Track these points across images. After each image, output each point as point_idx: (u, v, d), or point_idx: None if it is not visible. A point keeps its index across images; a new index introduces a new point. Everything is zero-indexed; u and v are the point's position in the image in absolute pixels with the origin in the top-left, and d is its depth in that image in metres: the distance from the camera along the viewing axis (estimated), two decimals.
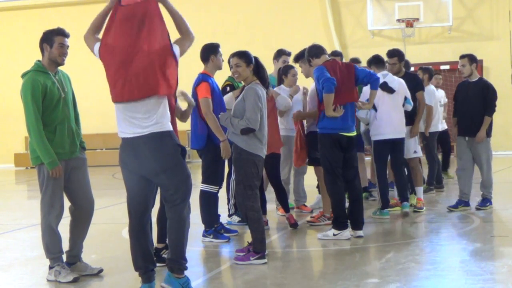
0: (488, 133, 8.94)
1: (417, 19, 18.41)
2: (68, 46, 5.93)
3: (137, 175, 5.06)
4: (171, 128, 5.08)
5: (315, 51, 7.52)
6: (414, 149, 9.14)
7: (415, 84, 9.13)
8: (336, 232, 7.33)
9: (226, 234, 7.62)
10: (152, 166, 4.98)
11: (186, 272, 5.21)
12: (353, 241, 7.27)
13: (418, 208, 9.02)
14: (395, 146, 8.65)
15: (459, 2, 18.71)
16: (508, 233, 7.65)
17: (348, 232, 7.34)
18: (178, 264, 5.13)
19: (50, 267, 5.94)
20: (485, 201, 9.06)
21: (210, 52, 7.39)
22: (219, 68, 7.46)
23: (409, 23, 18.36)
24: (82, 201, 6.09)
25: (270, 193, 8.69)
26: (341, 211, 7.35)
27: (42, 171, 5.84)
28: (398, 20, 18.48)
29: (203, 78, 7.23)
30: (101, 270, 6.16)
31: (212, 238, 7.46)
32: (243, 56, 6.47)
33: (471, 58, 8.99)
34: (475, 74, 9.02)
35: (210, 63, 7.39)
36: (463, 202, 9.00)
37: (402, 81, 8.77)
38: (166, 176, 5.01)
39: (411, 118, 9.00)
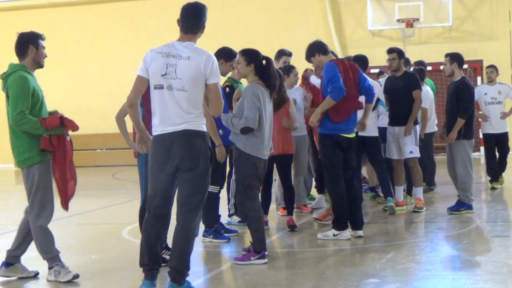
0: (465, 135, 8.78)
1: (417, 19, 18.40)
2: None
3: (164, 172, 5.01)
4: (205, 130, 5.10)
5: (323, 47, 7.51)
6: (410, 149, 9.12)
7: (411, 83, 9.10)
8: (336, 232, 7.33)
9: (226, 234, 7.63)
10: (184, 158, 4.95)
11: None
12: (353, 241, 7.27)
13: (418, 208, 9.02)
14: (368, 146, 8.90)
15: (459, 2, 18.71)
16: (508, 233, 7.66)
17: (348, 233, 7.34)
18: (181, 274, 5.11)
19: (49, 268, 5.92)
20: (460, 205, 8.80)
21: (222, 56, 7.44)
22: (222, 74, 7.52)
23: (409, 23, 18.35)
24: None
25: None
26: (342, 212, 7.35)
27: (31, 173, 5.77)
28: (398, 20, 18.47)
29: None
30: (37, 273, 6.09)
31: (212, 238, 7.47)
32: (244, 54, 6.54)
33: (452, 57, 8.90)
34: (458, 74, 8.89)
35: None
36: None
37: (376, 84, 8.88)
38: (191, 174, 4.99)
39: (407, 117, 9.00)
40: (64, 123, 5.80)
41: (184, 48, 5.05)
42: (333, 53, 8.07)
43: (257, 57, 6.49)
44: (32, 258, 6.80)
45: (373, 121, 8.83)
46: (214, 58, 5.10)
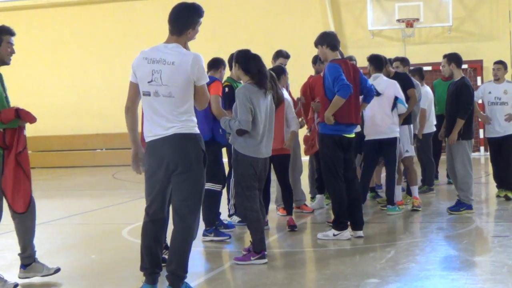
0: (465, 136, 8.75)
1: (417, 19, 18.42)
2: (13, 45, 5.78)
3: (160, 177, 4.97)
4: (198, 132, 5.04)
5: (333, 43, 7.41)
6: (406, 148, 9.14)
7: (404, 82, 9.12)
8: (336, 232, 7.33)
9: (225, 231, 7.77)
10: (176, 162, 4.90)
11: None
12: (353, 241, 7.27)
13: (416, 206, 9.05)
14: (384, 146, 8.76)
15: (459, 2, 18.71)
16: (508, 233, 7.65)
17: (348, 233, 7.34)
18: (180, 278, 5.08)
19: None
20: (459, 205, 8.77)
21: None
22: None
23: (409, 23, 18.36)
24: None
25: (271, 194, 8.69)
26: (342, 212, 7.35)
27: None
28: (398, 20, 18.49)
29: (213, 79, 7.31)
30: (58, 270, 5.94)
31: (213, 236, 7.54)
32: (234, 57, 6.63)
33: (449, 58, 8.89)
34: (457, 74, 8.86)
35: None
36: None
37: (393, 82, 8.80)
38: (185, 178, 4.94)
39: (406, 118, 9.04)
40: (20, 116, 5.58)
41: (169, 51, 4.95)
42: (340, 52, 8.08)
43: (240, 55, 6.51)
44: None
45: (392, 121, 8.71)
46: (200, 58, 4.97)
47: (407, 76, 9.40)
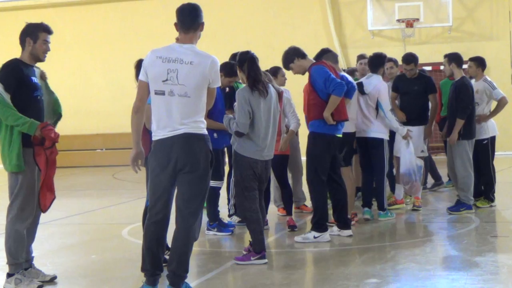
0: (465, 135, 8.72)
1: (417, 19, 18.40)
2: (49, 43, 5.76)
3: (166, 176, 4.97)
4: (206, 132, 5.06)
5: (301, 51, 7.38)
6: (421, 148, 9.14)
7: (426, 86, 9.11)
8: (317, 234, 7.25)
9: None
10: (184, 161, 4.92)
11: None
12: (353, 241, 7.27)
13: (417, 206, 9.06)
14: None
15: (459, 2, 18.70)
16: (508, 233, 7.66)
17: (328, 235, 7.28)
18: (180, 278, 5.09)
19: (9, 275, 5.61)
20: (459, 205, 8.74)
21: (222, 70, 7.72)
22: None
23: (409, 23, 18.35)
24: (37, 204, 5.73)
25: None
26: (324, 213, 7.31)
27: (16, 178, 5.53)
28: (398, 20, 18.47)
29: None
30: (54, 277, 5.86)
31: (216, 231, 7.71)
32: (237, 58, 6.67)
33: (450, 58, 8.89)
34: (457, 74, 8.84)
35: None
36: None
37: (380, 85, 8.31)
38: (192, 177, 4.96)
39: (419, 118, 9.07)
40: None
41: (186, 51, 4.99)
42: (332, 53, 8.05)
43: (240, 57, 6.55)
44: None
45: (363, 120, 8.41)
46: (217, 62, 5.06)
47: (429, 79, 9.28)
